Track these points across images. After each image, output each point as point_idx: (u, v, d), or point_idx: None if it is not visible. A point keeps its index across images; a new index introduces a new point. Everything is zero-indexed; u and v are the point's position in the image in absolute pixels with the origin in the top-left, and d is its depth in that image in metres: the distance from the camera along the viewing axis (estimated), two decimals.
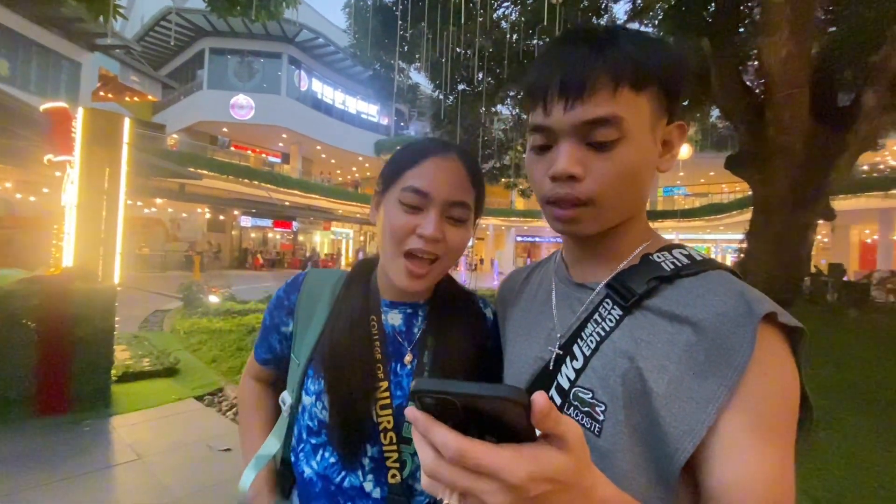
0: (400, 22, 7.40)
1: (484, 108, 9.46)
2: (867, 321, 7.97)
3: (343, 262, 29.00)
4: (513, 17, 8.47)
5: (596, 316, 0.54)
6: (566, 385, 0.52)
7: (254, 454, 0.79)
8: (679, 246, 0.56)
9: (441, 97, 9.87)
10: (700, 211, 24.55)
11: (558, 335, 0.57)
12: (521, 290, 0.72)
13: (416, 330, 0.75)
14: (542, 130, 0.52)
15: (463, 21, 7.08)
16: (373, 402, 0.68)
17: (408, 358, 0.73)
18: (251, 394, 0.89)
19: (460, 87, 9.75)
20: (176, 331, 6.28)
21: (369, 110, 28.72)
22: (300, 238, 27.82)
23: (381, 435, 0.68)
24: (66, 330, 3.16)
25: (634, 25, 8.68)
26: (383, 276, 0.76)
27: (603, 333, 0.52)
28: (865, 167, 18.17)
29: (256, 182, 19.72)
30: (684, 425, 0.43)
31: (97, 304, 3.32)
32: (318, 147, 25.29)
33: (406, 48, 8.51)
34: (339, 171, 31.50)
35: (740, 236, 6.72)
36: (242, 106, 21.49)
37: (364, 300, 0.75)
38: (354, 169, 31.06)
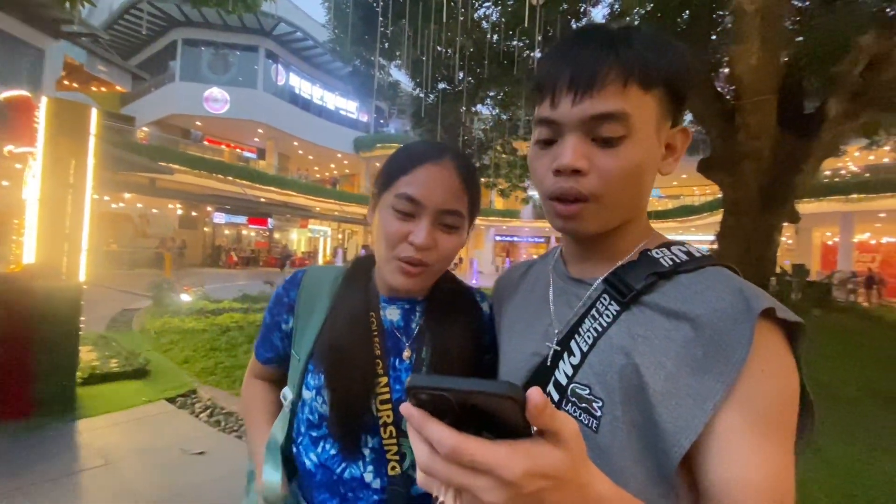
0: (381, 18, 7.34)
1: (464, 108, 9.47)
2: (830, 320, 8.37)
3: (320, 259, 28.63)
4: (493, 17, 8.50)
5: (593, 311, 0.53)
6: (564, 381, 0.52)
7: (263, 452, 0.78)
8: (679, 243, 0.56)
9: (421, 95, 9.84)
10: (673, 212, 25.22)
11: (556, 331, 0.57)
12: (518, 285, 0.72)
13: (413, 325, 0.76)
14: (549, 123, 0.51)
15: (444, 20, 7.08)
16: (372, 397, 0.69)
17: (406, 353, 0.74)
18: (256, 393, 0.89)
19: (441, 85, 9.75)
20: (146, 331, 6.07)
21: (348, 107, 28.39)
22: (276, 236, 27.30)
23: (381, 429, 0.69)
24: (27, 330, 3.01)
25: None
26: (380, 273, 0.77)
27: (600, 329, 0.51)
28: (828, 172, 19.04)
29: (231, 178, 19.26)
30: (681, 422, 0.43)
31: (61, 302, 3.18)
32: (296, 143, 24.88)
33: (387, 45, 8.45)
34: (316, 168, 31.04)
35: (712, 237, 6.94)
36: (217, 99, 20.93)
37: (363, 296, 0.76)
38: (333, 166, 30.68)
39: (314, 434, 0.74)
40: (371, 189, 0.78)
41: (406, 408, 0.30)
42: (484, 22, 8.58)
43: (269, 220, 24.58)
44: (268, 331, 0.83)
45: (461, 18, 7.30)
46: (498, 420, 0.28)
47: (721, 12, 5.72)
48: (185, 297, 7.88)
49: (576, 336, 0.53)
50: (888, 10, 4.09)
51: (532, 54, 8.44)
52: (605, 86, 0.47)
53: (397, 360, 0.73)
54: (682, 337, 0.46)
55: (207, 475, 2.51)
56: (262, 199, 21.80)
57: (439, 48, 8.43)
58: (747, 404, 0.42)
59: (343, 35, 7.96)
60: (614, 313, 0.51)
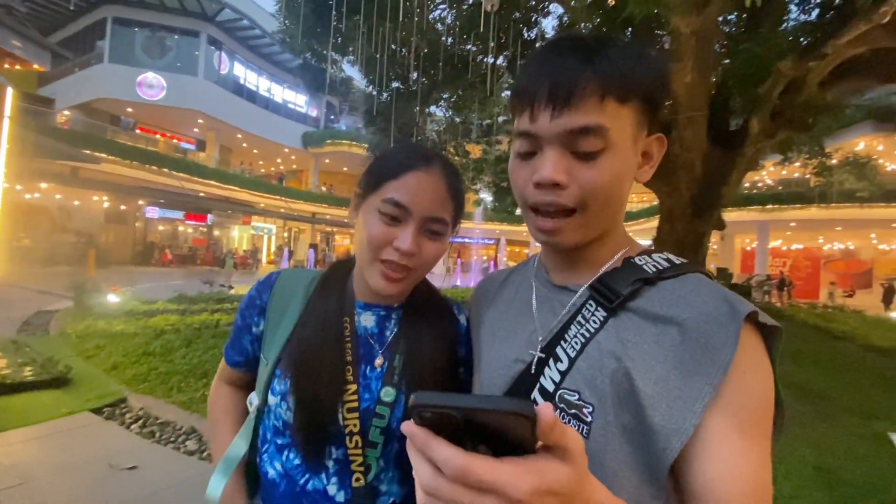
0: (334, 13, 7.16)
1: (418, 108, 9.44)
2: None
3: (264, 258, 27.45)
4: (449, 20, 8.56)
5: (579, 318, 0.53)
6: (550, 387, 0.51)
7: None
8: (657, 250, 0.58)
9: (374, 93, 9.69)
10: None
11: (539, 338, 0.56)
12: (497, 293, 0.71)
13: (388, 333, 0.75)
14: (528, 136, 0.52)
15: (399, 19, 7.03)
16: (340, 405, 0.68)
17: (378, 361, 0.72)
18: (222, 398, 0.86)
19: (395, 84, 9.66)
20: (66, 335, 5.54)
21: (297, 100, 27.45)
22: (216, 233, 25.84)
23: (347, 438, 0.67)
24: None
25: None
26: (359, 277, 0.76)
27: (588, 335, 0.51)
28: (747, 185, 20.89)
29: (166, 170, 17.99)
30: (672, 424, 0.44)
31: None
32: (239, 135, 23.68)
33: (339, 40, 8.25)
34: (261, 163, 29.74)
35: (649, 241, 7.41)
36: (152, 85, 19.46)
37: (338, 301, 0.75)
38: (279, 161, 29.52)
39: (279, 442, 0.71)
40: (354, 189, 0.76)
41: (408, 426, 0.29)
42: (439, 24, 8.62)
43: (209, 216, 23.24)
44: (238, 333, 0.81)
45: (416, 19, 7.28)
46: (502, 436, 0.27)
47: (660, 32, 6.11)
48: (113, 298, 7.27)
49: (562, 342, 0.53)
50: (802, 40, 4.56)
51: (486, 59, 8.58)
52: (582, 100, 0.48)
53: (368, 368, 0.72)
54: (670, 341, 0.47)
55: (140, 491, 2.33)
56: (202, 194, 20.56)
57: (394, 47, 8.36)
58: (731, 405, 0.44)
59: (293, 26, 7.69)
60: (602, 319, 0.52)
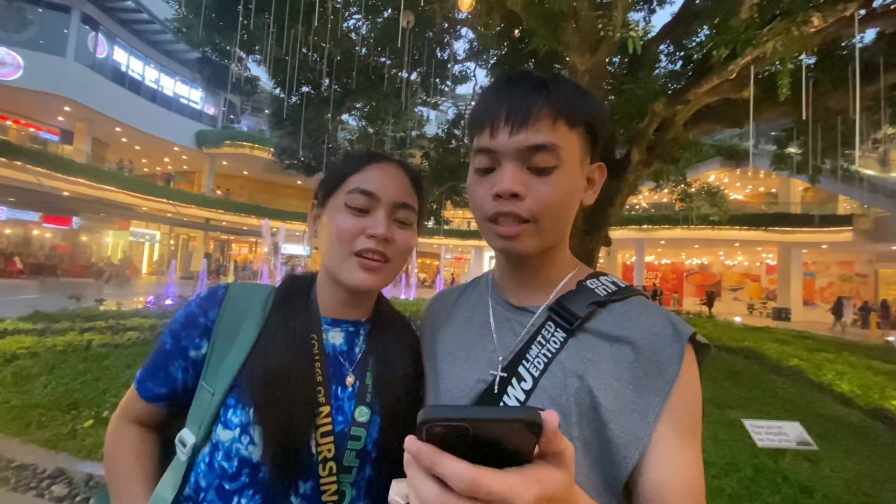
0: (240, 8, 6.76)
1: (330, 115, 9.23)
2: None
3: (144, 268, 24.37)
4: (364, 30, 8.56)
5: (539, 338, 0.56)
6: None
7: None
8: (603, 273, 0.63)
9: (283, 96, 9.28)
10: None
11: (500, 357, 0.58)
12: (451, 312, 0.71)
13: (357, 350, 0.72)
14: (488, 152, 0.56)
15: (313, 23, 6.86)
16: (312, 430, 0.62)
17: (350, 379, 0.69)
18: (128, 439, 0.72)
19: (305, 88, 9.34)
20: None
21: (192, 96, 25.10)
22: (83, 238, 22.37)
23: (320, 466, 0.62)
24: None
25: (471, 65, 9.71)
26: (325, 291, 0.73)
27: (550, 355, 0.55)
28: (627, 207, 23.77)
29: (19, 162, 15.23)
30: (630, 435, 0.48)
31: None
32: (118, 128, 20.92)
33: (246, 37, 7.79)
34: (145, 161, 26.51)
35: None
36: (4, 63, 16.42)
37: (304, 317, 0.70)
38: (167, 160, 26.59)
39: (228, 487, 0.62)
40: (311, 202, 0.75)
41: (413, 443, 0.28)
42: (353, 34, 8.56)
43: (74, 218, 20.07)
44: (166, 359, 0.69)
45: (330, 26, 7.17)
46: (502, 448, 0.28)
47: (559, 66, 6.76)
48: None
49: (524, 362, 0.55)
50: (671, 86, 5.40)
51: (400, 73, 8.71)
52: (538, 120, 0.53)
53: (339, 388, 0.68)
54: (625, 358, 0.52)
55: None
56: (66, 193, 17.71)
57: (305, 50, 8.11)
58: (676, 414, 0.49)
59: (194, 16, 7.09)
60: (562, 340, 0.55)
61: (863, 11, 4.09)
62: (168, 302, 9.57)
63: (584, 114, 0.56)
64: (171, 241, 27.29)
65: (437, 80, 9.37)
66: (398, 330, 0.77)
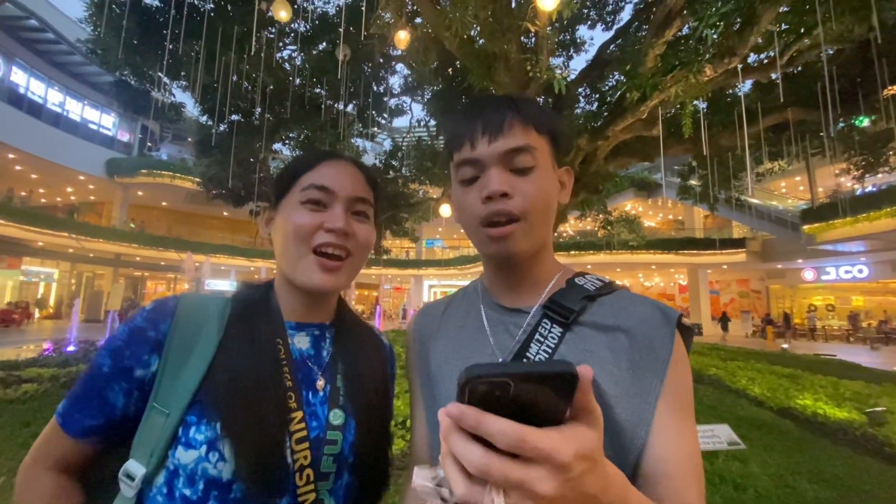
0: (166, 31, 6.48)
1: (263, 144, 8.97)
2: None
3: (37, 313, 21.41)
4: (298, 61, 8.54)
5: (537, 336, 0.58)
6: None
7: None
8: (587, 272, 0.67)
9: (209, 123, 8.89)
10: (455, 261, 28.75)
11: (499, 359, 0.60)
12: (441, 323, 0.72)
13: (324, 353, 0.70)
14: (471, 163, 0.60)
15: (246, 52, 6.74)
16: (287, 437, 0.60)
17: (320, 383, 0.67)
18: (47, 494, 0.61)
19: (234, 117, 9.04)
20: None
21: (103, 121, 23.11)
22: None
23: (297, 475, 0.59)
24: None
25: (407, 99, 10.02)
26: (284, 295, 0.71)
27: (550, 349, 0.57)
28: (556, 234, 25.25)
29: None
30: (635, 417, 0.51)
31: None
32: (12, 155, 18.64)
33: (171, 62, 7.45)
34: (42, 191, 23.75)
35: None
36: None
37: (267, 322, 0.67)
38: (70, 190, 23.99)
39: None
40: (262, 206, 0.74)
41: (457, 407, 0.28)
42: (287, 64, 8.51)
43: None
44: (102, 384, 0.61)
45: (263, 55, 7.08)
46: (537, 408, 0.28)
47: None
48: None
49: (525, 360, 0.57)
50: (591, 124, 5.95)
51: (336, 105, 8.73)
52: (512, 127, 0.59)
53: (310, 393, 0.66)
54: (621, 345, 0.55)
55: None
56: None
57: (235, 78, 7.90)
58: (673, 393, 0.53)
59: (111, 38, 6.67)
60: (559, 335, 0.58)
61: (741, 65, 4.84)
62: (70, 349, 8.38)
63: (547, 122, 0.62)
64: (73, 281, 24.32)
65: (374, 112, 9.52)
66: (363, 332, 0.77)
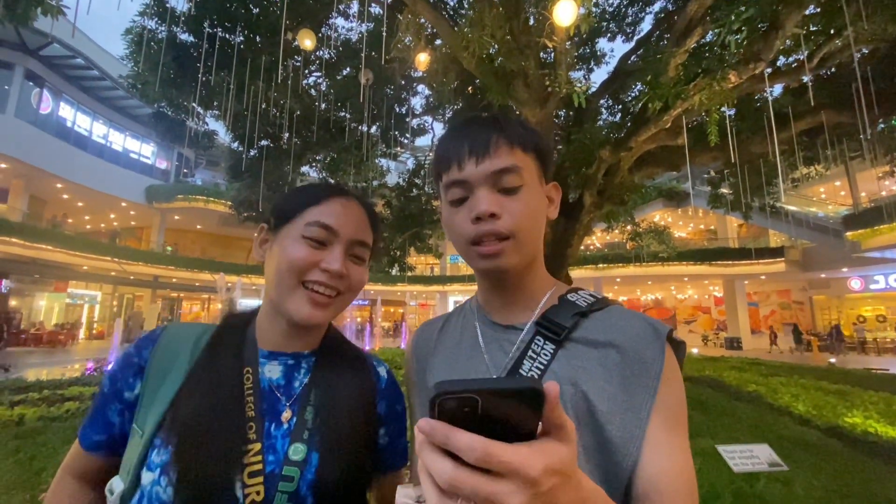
0: (199, 65, 6.86)
1: (290, 167, 9.27)
2: None
3: (82, 333, 22.46)
4: (323, 87, 8.84)
5: (530, 353, 0.59)
6: None
7: None
8: (580, 288, 0.68)
9: (240, 149, 9.29)
10: (473, 276, 28.62)
11: (494, 375, 0.60)
12: (439, 341, 0.73)
13: (296, 384, 0.68)
14: (460, 184, 0.61)
15: (273, 81, 7.04)
16: (238, 470, 0.58)
17: (285, 415, 0.65)
18: (66, 498, 0.68)
19: (263, 142, 9.41)
20: None
21: (143, 150, 24.46)
22: (12, 302, 20.49)
23: None
24: None
25: (428, 118, 10.19)
26: (266, 322, 0.71)
27: (543, 366, 0.57)
28: (583, 247, 24.84)
29: None
30: (627, 433, 0.51)
31: None
32: (59, 185, 19.90)
33: (204, 93, 7.85)
34: (88, 218, 25.17)
35: None
36: None
37: (236, 351, 0.67)
38: (113, 216, 25.35)
39: None
40: (260, 228, 0.74)
41: (426, 422, 0.29)
42: (313, 90, 8.83)
43: (4, 281, 18.48)
44: (104, 404, 0.66)
45: (290, 83, 7.37)
46: (507, 423, 0.29)
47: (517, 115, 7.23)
48: None
49: (517, 375, 0.57)
50: (614, 135, 5.88)
51: (360, 127, 8.97)
52: (498, 147, 0.60)
53: (273, 425, 0.64)
54: (612, 361, 0.55)
55: None
56: None
57: (264, 106, 8.25)
58: (665, 408, 0.52)
59: (149, 73, 7.10)
60: (552, 351, 0.58)
61: (769, 70, 4.71)
62: (110, 367, 8.72)
63: (533, 141, 0.63)
64: (115, 303, 25.47)
65: (397, 132, 9.72)
66: (349, 362, 0.74)
